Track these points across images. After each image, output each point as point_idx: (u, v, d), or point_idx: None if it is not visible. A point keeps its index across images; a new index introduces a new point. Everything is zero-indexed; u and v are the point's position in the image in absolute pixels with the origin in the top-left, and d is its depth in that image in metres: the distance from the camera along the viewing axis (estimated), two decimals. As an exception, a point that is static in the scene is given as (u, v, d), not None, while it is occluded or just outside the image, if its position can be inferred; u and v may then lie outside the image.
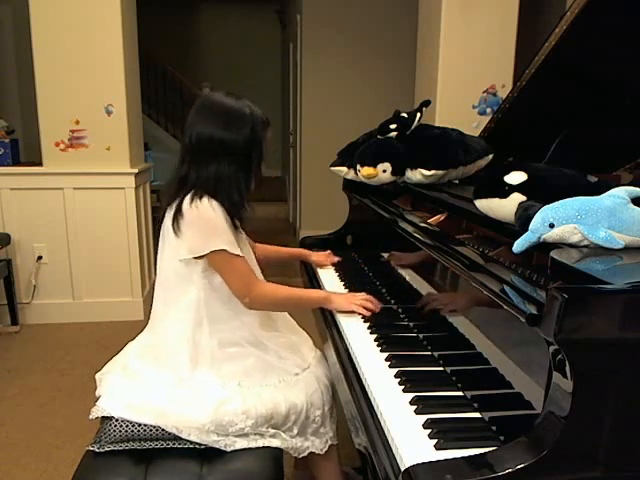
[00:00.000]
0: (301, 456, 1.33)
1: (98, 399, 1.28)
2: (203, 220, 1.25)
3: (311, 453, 1.34)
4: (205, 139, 1.28)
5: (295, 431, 1.31)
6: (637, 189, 0.89)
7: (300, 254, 1.92)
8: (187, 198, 1.26)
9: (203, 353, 1.30)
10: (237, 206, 1.29)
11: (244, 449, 1.21)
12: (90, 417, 1.25)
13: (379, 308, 1.42)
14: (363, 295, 1.45)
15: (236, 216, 1.30)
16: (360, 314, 1.40)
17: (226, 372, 1.29)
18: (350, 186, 2.06)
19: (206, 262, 1.29)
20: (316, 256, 1.89)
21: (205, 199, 1.25)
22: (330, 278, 1.78)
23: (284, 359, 1.37)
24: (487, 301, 0.92)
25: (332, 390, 1.42)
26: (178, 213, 1.26)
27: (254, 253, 1.46)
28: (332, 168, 1.91)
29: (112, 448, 1.20)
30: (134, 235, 3.24)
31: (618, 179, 1.64)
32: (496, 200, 1.03)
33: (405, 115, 1.74)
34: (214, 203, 1.25)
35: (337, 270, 1.85)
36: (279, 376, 1.34)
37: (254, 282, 1.33)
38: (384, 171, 1.67)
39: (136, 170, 3.19)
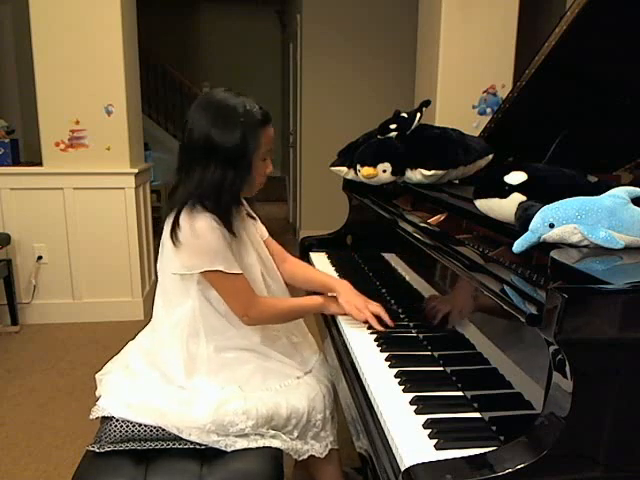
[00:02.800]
0: (301, 459, 1.32)
1: (98, 399, 1.28)
2: (197, 239, 1.19)
3: (311, 456, 1.33)
4: (195, 137, 1.21)
5: (295, 434, 1.30)
6: (637, 189, 0.89)
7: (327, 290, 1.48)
8: (184, 211, 1.20)
9: (199, 362, 1.27)
10: (226, 208, 1.23)
11: (244, 449, 1.21)
12: (90, 417, 1.25)
13: (390, 323, 1.32)
14: (378, 305, 1.36)
15: (228, 221, 1.23)
16: (366, 324, 1.33)
17: (224, 378, 1.28)
18: (350, 186, 2.06)
19: (201, 275, 1.25)
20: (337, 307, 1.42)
21: (201, 215, 1.19)
22: (330, 278, 1.77)
23: (285, 363, 1.35)
24: (487, 301, 0.92)
25: (334, 394, 1.41)
26: (176, 225, 1.20)
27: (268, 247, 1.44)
28: (332, 168, 1.91)
29: (112, 448, 1.20)
30: (134, 235, 3.24)
31: (618, 179, 1.65)
32: (496, 200, 1.03)
33: (405, 115, 1.74)
34: (210, 218, 1.19)
35: (337, 270, 1.85)
36: (280, 381, 1.33)
37: (252, 300, 1.28)
38: (384, 171, 1.67)
39: (136, 170, 3.19)
